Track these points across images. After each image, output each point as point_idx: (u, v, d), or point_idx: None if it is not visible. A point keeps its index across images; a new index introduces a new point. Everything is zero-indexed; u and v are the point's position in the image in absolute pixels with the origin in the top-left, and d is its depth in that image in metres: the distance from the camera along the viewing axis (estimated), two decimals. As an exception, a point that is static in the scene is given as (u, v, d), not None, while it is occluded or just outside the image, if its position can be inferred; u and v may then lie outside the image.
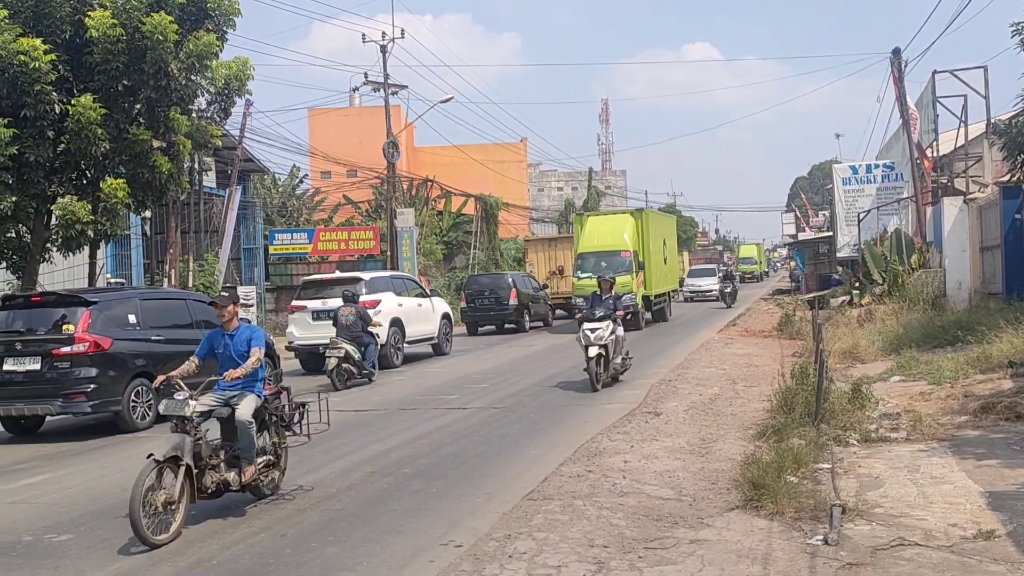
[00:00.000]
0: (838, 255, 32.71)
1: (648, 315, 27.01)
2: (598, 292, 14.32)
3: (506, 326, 27.72)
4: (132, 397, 11.75)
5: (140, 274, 26.58)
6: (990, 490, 6.79)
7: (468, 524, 6.63)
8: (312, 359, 18.46)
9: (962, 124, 24.79)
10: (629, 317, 20.18)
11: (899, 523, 6.13)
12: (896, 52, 26.34)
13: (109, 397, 11.47)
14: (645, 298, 26.14)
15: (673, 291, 31.94)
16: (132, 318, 12.20)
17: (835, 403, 9.51)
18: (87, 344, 11.29)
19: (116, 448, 10.71)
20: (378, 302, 18.03)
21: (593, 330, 13.37)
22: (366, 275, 19.88)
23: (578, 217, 29.22)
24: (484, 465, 8.65)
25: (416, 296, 20.08)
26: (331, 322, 16.53)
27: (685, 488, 7.39)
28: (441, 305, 21.38)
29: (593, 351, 13.29)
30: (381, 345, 17.49)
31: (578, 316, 20.58)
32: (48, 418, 12.24)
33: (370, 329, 16.40)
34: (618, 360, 13.96)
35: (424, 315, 19.98)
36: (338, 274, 21.07)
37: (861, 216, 29.48)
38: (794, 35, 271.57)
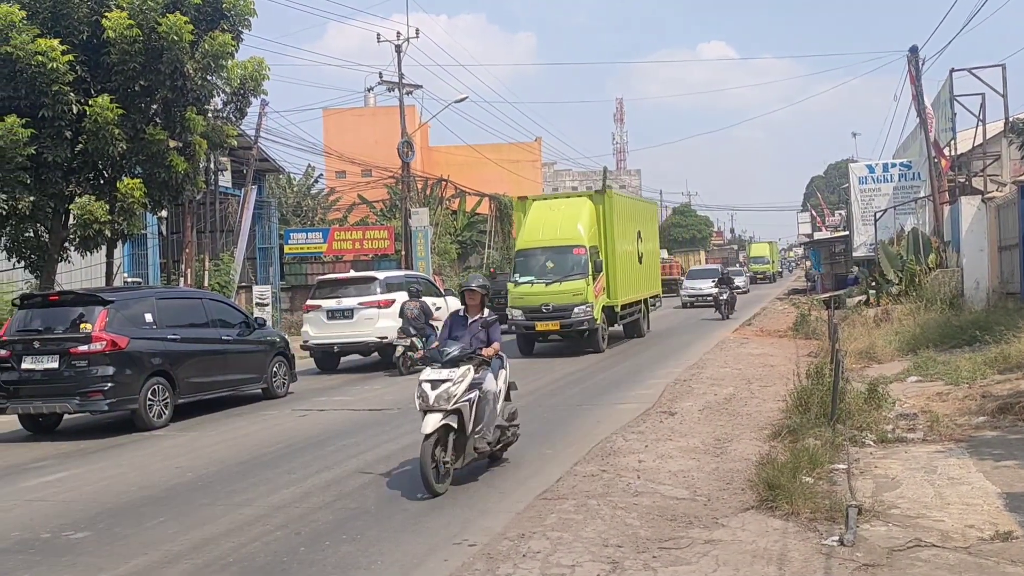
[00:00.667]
0: (854, 254, 32.55)
1: (619, 328, 21.73)
2: (460, 313, 8.70)
3: None
4: (148, 395, 11.82)
5: (156, 273, 26.75)
6: (1008, 491, 6.74)
7: (482, 523, 6.63)
8: (326, 358, 18.61)
9: (980, 123, 24.63)
10: (585, 334, 18.52)
11: (916, 524, 6.09)
12: (913, 50, 26.19)
13: (126, 395, 11.55)
14: (608, 309, 19.92)
15: (654, 297, 24.97)
16: (148, 317, 12.28)
17: (851, 403, 9.46)
18: (104, 343, 11.38)
19: (133, 446, 10.78)
20: (392, 301, 17.97)
21: (435, 383, 7.59)
22: (380, 274, 19.74)
23: (519, 203, 21.95)
24: (497, 464, 8.65)
25: (431, 296, 19.88)
26: (346, 321, 17.27)
27: (700, 488, 7.36)
28: (455, 305, 21.19)
29: (431, 423, 7.42)
30: (391, 344, 17.61)
31: (516, 332, 18.99)
32: (65, 416, 12.33)
33: (431, 322, 16.81)
34: (488, 434, 8.00)
35: (439, 315, 19.95)
36: (352, 273, 20.98)
37: (878, 215, 29.32)
38: (811, 34, 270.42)
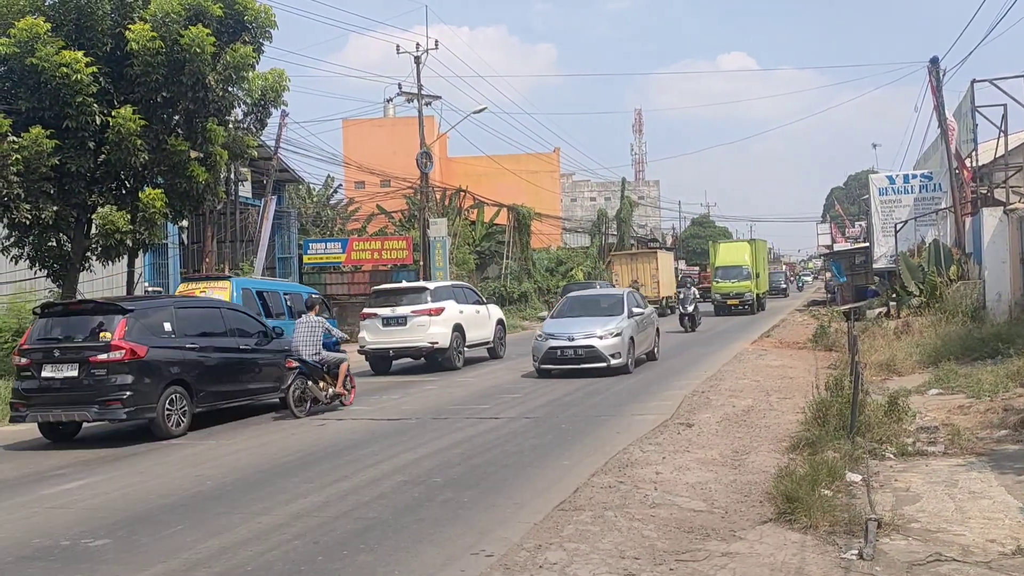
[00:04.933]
0: (874, 266, 32.32)
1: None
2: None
3: None
4: (167, 404, 11.84)
5: (177, 283, 26.94)
6: (1030, 506, 6.66)
7: (499, 534, 6.62)
8: (380, 362, 20.06)
9: (1002, 133, 24.40)
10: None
11: (936, 538, 6.03)
12: (934, 61, 26.06)
13: (144, 404, 11.57)
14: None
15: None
16: (167, 326, 12.31)
17: (871, 416, 9.40)
18: (123, 351, 11.42)
19: (152, 455, 10.85)
20: (442, 309, 19.35)
21: None
22: (431, 284, 21.05)
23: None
24: (515, 475, 8.65)
25: (474, 304, 21.23)
26: (400, 327, 19.01)
27: (717, 500, 7.33)
28: (496, 312, 22.85)
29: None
30: (443, 349, 19.28)
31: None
32: (84, 424, 12.41)
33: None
34: None
35: (481, 321, 21.28)
36: (405, 284, 22.12)
37: (898, 227, 29.11)
38: (831, 45, 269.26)
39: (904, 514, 6.59)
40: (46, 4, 15.37)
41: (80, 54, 14.56)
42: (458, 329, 19.80)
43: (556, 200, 70.43)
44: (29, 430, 12.76)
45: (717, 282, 40.59)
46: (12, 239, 15.93)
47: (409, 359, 20.45)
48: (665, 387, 15.01)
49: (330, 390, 13.88)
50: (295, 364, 13.52)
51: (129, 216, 15.69)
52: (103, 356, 11.40)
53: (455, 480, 8.51)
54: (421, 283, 22.56)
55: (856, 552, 5.71)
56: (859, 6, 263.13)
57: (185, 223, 24.29)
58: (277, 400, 14.08)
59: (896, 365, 15.39)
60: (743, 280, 39.69)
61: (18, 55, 14.48)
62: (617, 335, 16.97)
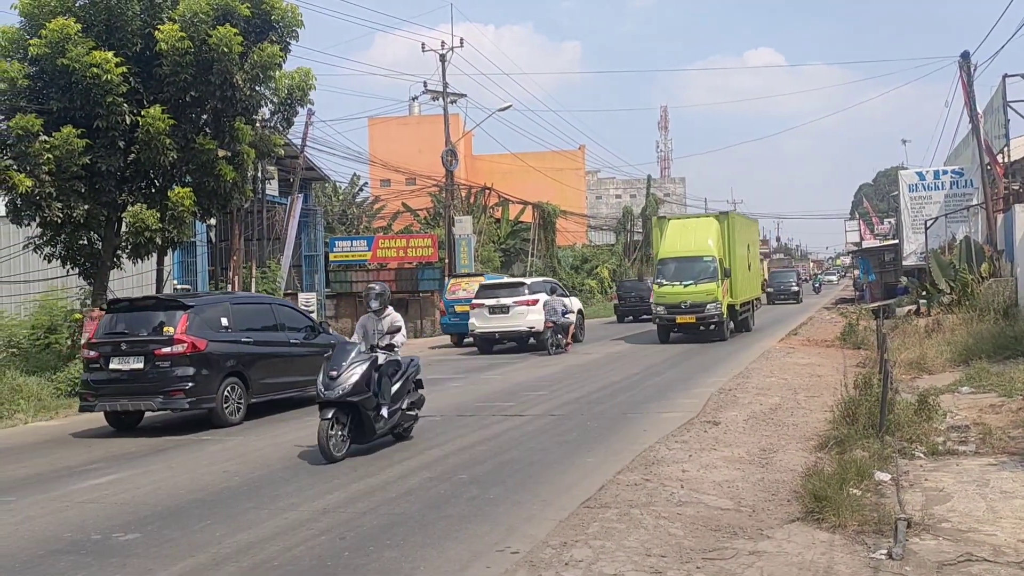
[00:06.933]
0: (904, 263, 31.99)
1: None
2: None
3: (642, 317, 34.25)
4: (225, 394, 12.44)
5: (205, 280, 27.22)
6: (1064, 506, 6.56)
7: (525, 531, 6.62)
8: (485, 343, 24.45)
9: (1034, 129, 24.05)
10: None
11: (967, 538, 5.96)
12: (965, 56, 25.72)
13: (205, 394, 12.20)
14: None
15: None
16: (224, 321, 12.93)
17: (900, 414, 9.30)
18: (186, 345, 12.07)
19: (182, 450, 10.93)
20: (536, 300, 23.47)
21: None
22: (528, 280, 26.13)
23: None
24: (541, 472, 8.65)
25: (559, 296, 24.78)
26: (503, 315, 23.37)
27: (744, 499, 7.28)
28: (577, 303, 26.60)
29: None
30: (539, 332, 23.16)
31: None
32: (146, 414, 13.09)
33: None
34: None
35: (567, 310, 24.71)
36: (507, 279, 28.27)
37: (928, 223, 28.79)
38: (860, 40, 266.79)
39: (934, 514, 6.52)
40: (77, 5, 15.55)
41: (110, 54, 14.72)
42: None
43: (581, 197, 70.35)
44: (68, 424, 12.92)
45: (660, 284, 24.27)
46: (44, 238, 16.15)
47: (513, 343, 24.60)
48: (692, 385, 14.94)
49: (564, 340, 22.53)
50: (552, 324, 22.12)
51: (158, 214, 15.87)
52: (167, 349, 12.07)
53: (481, 477, 8.52)
54: (520, 279, 27.47)
55: (885, 552, 5.66)
56: (888, 0, 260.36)
57: (213, 221, 24.53)
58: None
59: (926, 363, 15.22)
60: (704, 280, 23.45)
61: (49, 56, 14.67)
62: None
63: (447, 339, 28.68)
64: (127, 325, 12.61)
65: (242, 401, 12.75)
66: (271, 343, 13.60)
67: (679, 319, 23.93)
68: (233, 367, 12.66)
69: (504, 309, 23.51)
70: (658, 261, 25.20)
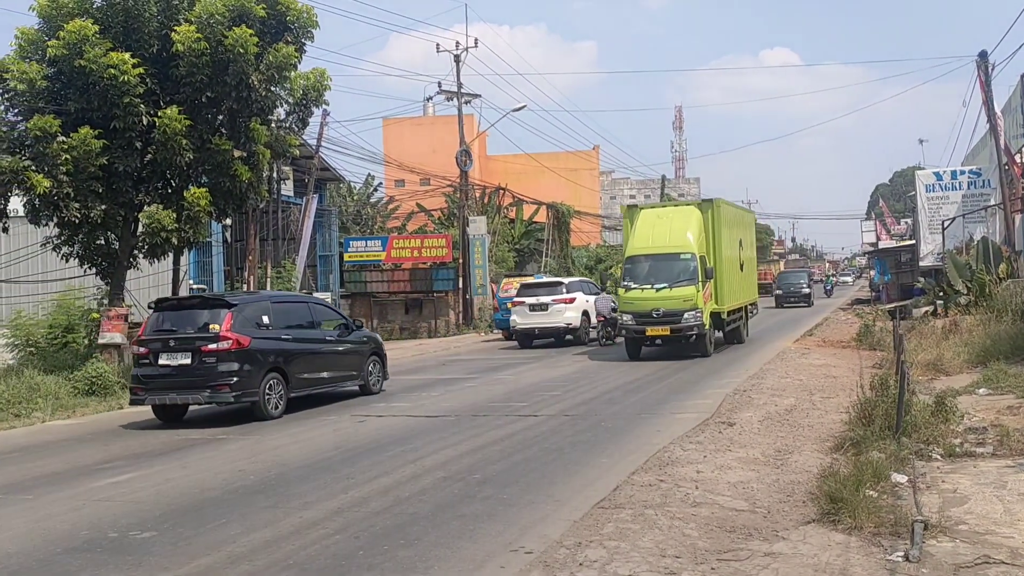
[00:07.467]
0: (921, 264, 31.78)
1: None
2: None
3: None
4: (267, 389, 12.94)
5: (220, 280, 27.36)
6: (1083, 509, 6.50)
7: (538, 531, 6.62)
8: (526, 338, 25.87)
9: (1053, 128, 23.88)
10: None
11: (984, 540, 5.91)
12: (983, 55, 25.54)
13: (248, 389, 12.72)
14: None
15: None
16: (265, 319, 13.43)
17: (917, 416, 9.23)
18: (230, 341, 12.61)
19: (197, 449, 10.99)
20: (574, 299, 25.24)
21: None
22: (566, 280, 27.76)
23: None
24: (555, 472, 8.64)
25: (594, 295, 26.42)
26: (543, 312, 24.92)
27: (759, 500, 7.25)
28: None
29: None
30: (576, 328, 25.25)
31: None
32: (190, 407, 13.55)
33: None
34: None
35: (600, 308, 25.89)
36: (546, 279, 29.46)
37: (945, 224, 28.61)
38: (877, 39, 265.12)
39: (951, 516, 6.47)
40: (94, 6, 15.66)
41: (127, 55, 14.82)
42: (585, 314, 25.48)
43: (595, 198, 70.26)
44: (92, 422, 12.99)
45: (627, 288, 19.89)
46: (62, 238, 16.27)
47: (552, 338, 25.79)
48: (706, 385, 14.89)
49: (614, 333, 23.40)
50: (604, 318, 23.88)
51: (175, 215, 15.97)
52: (213, 346, 12.59)
53: (495, 477, 8.53)
54: (558, 278, 28.82)
55: (902, 554, 5.62)
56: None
57: (229, 221, 24.69)
58: (357, 388, 15.24)
59: (943, 365, 15.11)
60: (682, 283, 19.23)
61: (67, 57, 14.78)
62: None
63: (499, 334, 30.27)
64: (174, 323, 13.12)
65: (282, 396, 13.25)
66: (309, 340, 14.18)
67: (649, 331, 19.41)
68: (274, 363, 13.18)
69: (543, 307, 25.10)
70: (625, 259, 20.55)
